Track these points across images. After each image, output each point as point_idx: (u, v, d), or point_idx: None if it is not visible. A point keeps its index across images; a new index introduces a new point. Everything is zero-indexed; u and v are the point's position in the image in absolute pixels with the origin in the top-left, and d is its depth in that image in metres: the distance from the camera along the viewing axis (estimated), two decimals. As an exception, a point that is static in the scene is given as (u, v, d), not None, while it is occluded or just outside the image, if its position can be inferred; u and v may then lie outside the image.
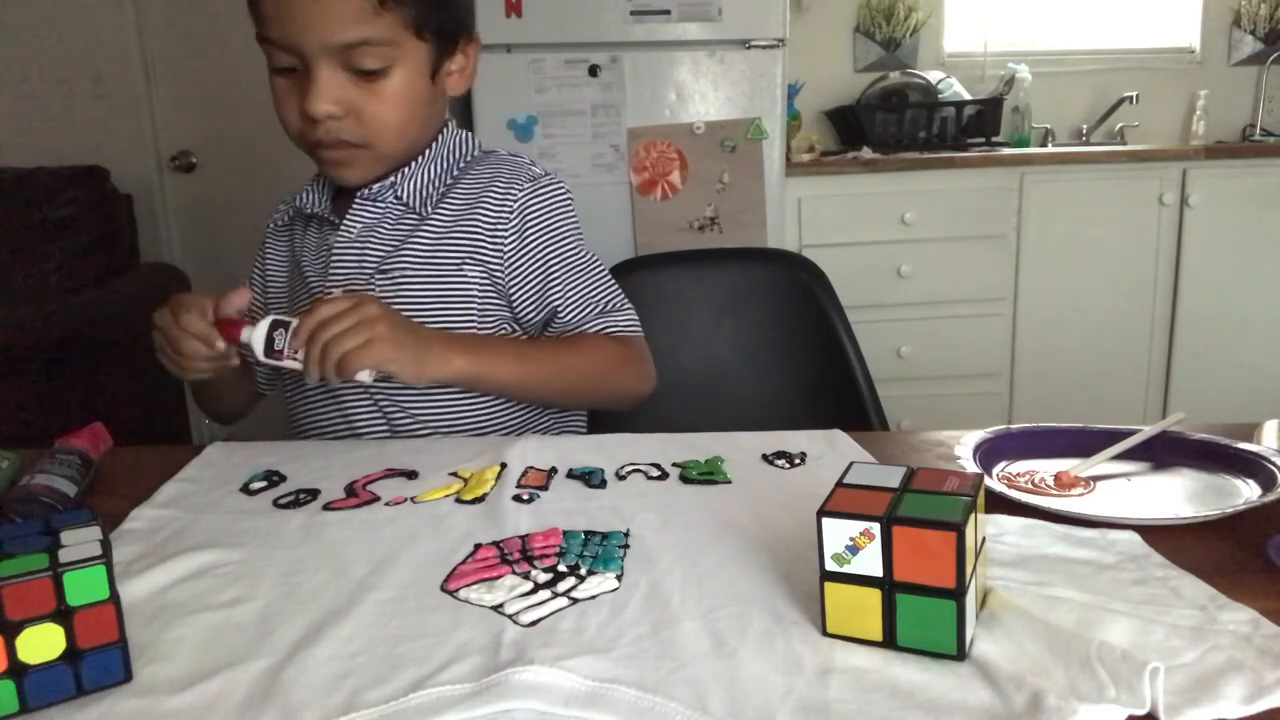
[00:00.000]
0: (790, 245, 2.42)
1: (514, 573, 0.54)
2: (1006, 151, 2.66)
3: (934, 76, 2.86)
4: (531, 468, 0.73)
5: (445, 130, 0.97)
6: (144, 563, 0.57)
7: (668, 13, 2.20)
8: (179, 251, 2.84)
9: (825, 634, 0.46)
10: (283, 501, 0.68)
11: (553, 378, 0.90)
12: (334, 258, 0.92)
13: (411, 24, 0.85)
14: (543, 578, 0.54)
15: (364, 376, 0.77)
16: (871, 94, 2.85)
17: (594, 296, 0.94)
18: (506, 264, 0.92)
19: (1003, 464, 0.72)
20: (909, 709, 0.40)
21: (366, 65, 0.83)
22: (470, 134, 0.99)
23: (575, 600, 0.51)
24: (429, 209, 0.92)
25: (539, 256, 0.93)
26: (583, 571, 0.54)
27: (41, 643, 0.42)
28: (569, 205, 0.97)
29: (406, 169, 0.92)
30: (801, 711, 0.40)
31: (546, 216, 0.94)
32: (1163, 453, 0.72)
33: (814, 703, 0.41)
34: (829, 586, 0.46)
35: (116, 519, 0.64)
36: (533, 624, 0.48)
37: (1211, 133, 2.99)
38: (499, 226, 0.92)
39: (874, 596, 0.44)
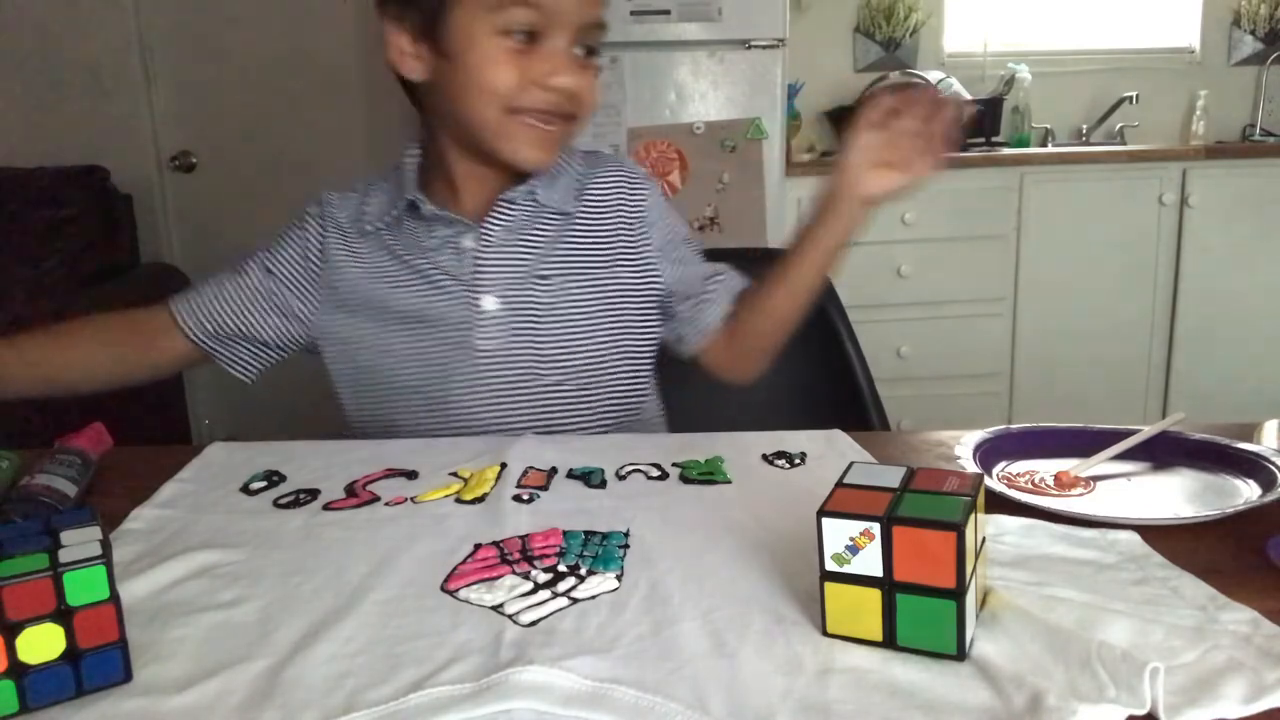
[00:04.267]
0: (790, 245, 2.42)
1: (514, 573, 0.54)
2: (1006, 151, 2.66)
3: (934, 76, 2.86)
4: (531, 468, 0.73)
5: None
6: (144, 563, 0.57)
7: (668, 13, 2.20)
8: (179, 251, 2.84)
9: (825, 634, 0.46)
10: (283, 501, 0.68)
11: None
12: (482, 261, 0.90)
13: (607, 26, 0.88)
14: (543, 578, 0.54)
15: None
16: (871, 94, 2.85)
17: (716, 269, 0.97)
18: (643, 263, 0.94)
19: (1003, 464, 0.72)
20: (909, 709, 0.40)
21: (596, 44, 0.87)
22: None
23: (575, 600, 0.51)
24: (570, 205, 0.92)
25: (669, 240, 0.96)
26: (583, 571, 0.54)
27: (41, 643, 0.42)
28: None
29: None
30: (801, 711, 0.40)
31: (663, 206, 0.97)
32: (1163, 453, 0.72)
33: (814, 703, 0.41)
34: (829, 586, 0.46)
35: (116, 519, 0.64)
36: (533, 624, 0.48)
37: (1211, 133, 2.99)
38: (638, 226, 0.94)
39: (874, 596, 0.44)
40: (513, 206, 0.91)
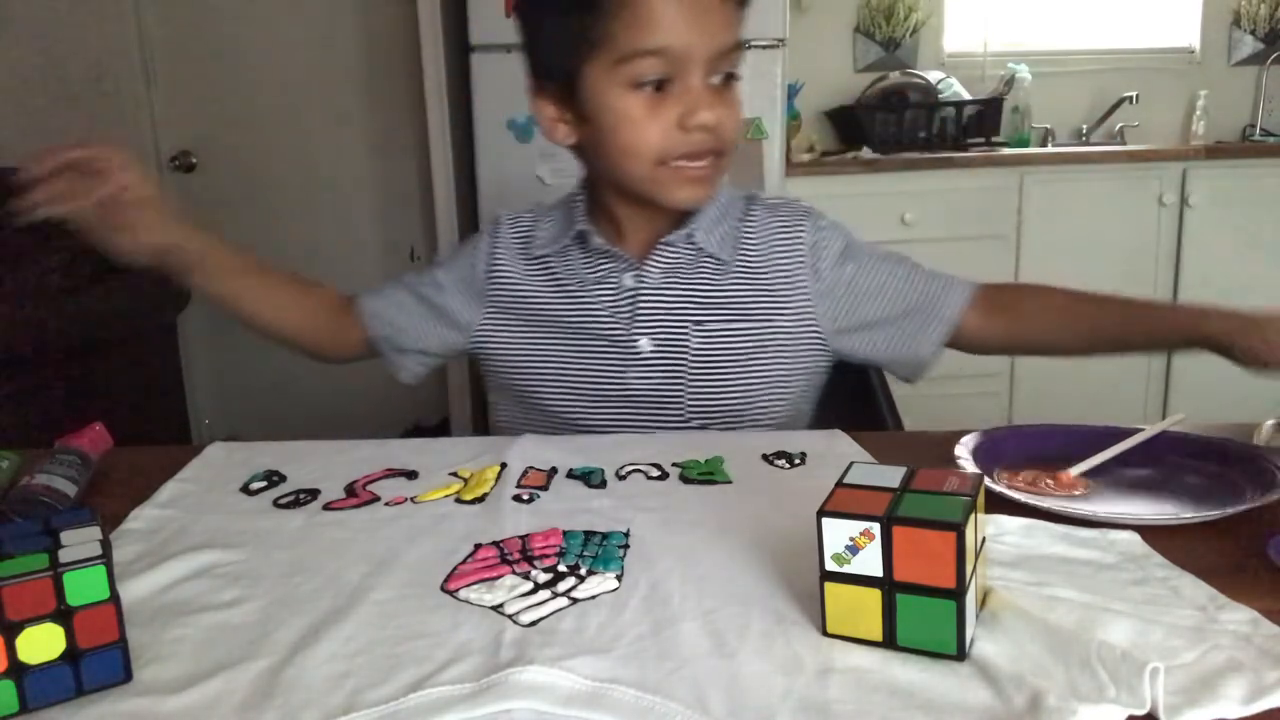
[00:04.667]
0: (790, 245, 2.42)
1: (514, 573, 0.54)
2: (1006, 151, 2.66)
3: (934, 76, 2.86)
4: (531, 468, 0.73)
5: None
6: (144, 563, 0.57)
7: (668, 13, 2.20)
8: (179, 251, 2.84)
9: (825, 634, 0.46)
10: (283, 501, 0.68)
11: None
12: (640, 301, 0.91)
13: (744, 42, 0.86)
14: (543, 578, 0.54)
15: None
16: (871, 94, 2.85)
17: (933, 276, 0.93)
18: (821, 303, 0.92)
19: (1003, 464, 0.72)
20: (909, 709, 0.40)
21: (734, 68, 0.84)
22: None
23: (575, 600, 0.51)
24: (729, 252, 0.92)
25: (850, 269, 0.93)
26: (583, 571, 0.54)
27: (41, 643, 0.42)
28: (841, 224, 0.97)
29: (697, 214, 0.91)
30: (801, 711, 0.40)
31: (835, 239, 0.94)
32: (1163, 453, 0.72)
33: (814, 703, 0.41)
34: (829, 586, 0.46)
35: (116, 519, 0.64)
36: (533, 624, 0.48)
37: (1211, 133, 2.99)
38: (798, 272, 0.92)
39: (874, 596, 0.44)
40: (672, 249, 0.91)
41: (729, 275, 0.92)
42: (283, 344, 0.99)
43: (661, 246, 0.91)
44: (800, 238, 0.93)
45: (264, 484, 0.72)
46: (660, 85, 0.82)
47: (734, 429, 0.91)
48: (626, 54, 0.80)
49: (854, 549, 0.44)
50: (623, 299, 0.91)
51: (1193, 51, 3.08)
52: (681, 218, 0.91)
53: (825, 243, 0.93)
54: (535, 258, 0.96)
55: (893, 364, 0.96)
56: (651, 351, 0.90)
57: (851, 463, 0.50)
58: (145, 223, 0.86)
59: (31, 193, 0.80)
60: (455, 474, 0.73)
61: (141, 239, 0.86)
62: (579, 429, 0.92)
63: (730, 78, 0.85)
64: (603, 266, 0.93)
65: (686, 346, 0.90)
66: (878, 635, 0.45)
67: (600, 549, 0.57)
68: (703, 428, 0.91)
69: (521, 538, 0.59)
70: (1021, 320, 0.93)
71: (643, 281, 0.91)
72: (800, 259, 0.92)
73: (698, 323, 0.90)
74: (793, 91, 2.77)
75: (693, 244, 0.91)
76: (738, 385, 0.91)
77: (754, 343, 0.91)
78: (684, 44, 0.80)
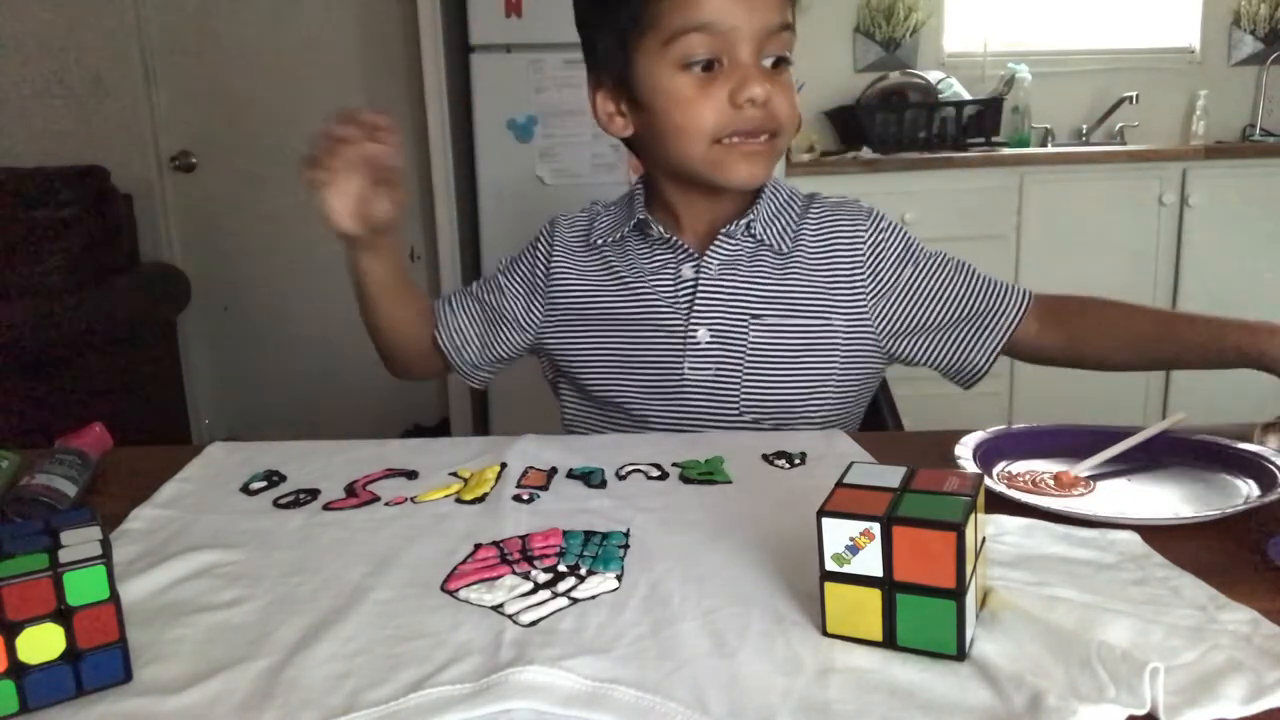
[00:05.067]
0: (790, 245, 2.42)
1: (514, 573, 0.54)
2: (1006, 151, 2.66)
3: (934, 76, 2.86)
4: (531, 468, 0.73)
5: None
6: (144, 563, 0.57)
7: (668, 13, 2.20)
8: (179, 251, 2.85)
9: (825, 634, 0.46)
10: (283, 501, 0.68)
11: None
12: (699, 292, 0.91)
13: (793, 25, 0.87)
14: (543, 578, 0.54)
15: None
16: (871, 94, 2.85)
17: (993, 283, 0.93)
18: (875, 304, 0.92)
19: (1003, 464, 0.72)
20: (909, 709, 0.40)
21: (785, 51, 0.85)
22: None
23: (575, 600, 0.51)
24: (787, 245, 0.92)
25: (910, 272, 0.93)
26: (583, 571, 0.54)
27: (41, 643, 0.42)
28: (901, 225, 0.97)
29: (756, 206, 0.92)
30: (801, 711, 0.40)
31: (894, 240, 0.94)
32: (1163, 453, 0.72)
33: (814, 703, 0.41)
34: (829, 586, 0.46)
35: (116, 519, 0.64)
36: (533, 624, 0.48)
37: (1211, 133, 2.99)
38: (855, 272, 0.92)
39: (874, 596, 0.44)
40: (731, 240, 0.92)
41: (788, 269, 0.92)
42: (388, 349, 1.00)
43: (721, 238, 0.91)
44: (860, 237, 0.93)
45: (264, 484, 0.72)
46: (710, 66, 0.83)
47: (785, 425, 0.91)
48: (673, 33, 0.82)
49: (854, 549, 0.44)
50: (682, 289, 0.92)
51: (1193, 51, 3.08)
52: (741, 209, 0.92)
53: (884, 244, 0.93)
54: (594, 250, 0.97)
55: (948, 369, 0.95)
56: (709, 342, 0.91)
57: (851, 463, 0.50)
58: (396, 189, 0.86)
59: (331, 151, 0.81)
60: (455, 474, 0.73)
61: (392, 203, 0.86)
62: (637, 419, 0.94)
63: (781, 61, 0.86)
64: (661, 256, 0.93)
65: (744, 339, 0.90)
66: (878, 635, 0.45)
67: (600, 549, 0.57)
68: (755, 423, 0.91)
69: (521, 538, 0.59)
70: (1082, 333, 0.92)
71: (701, 272, 0.91)
72: (859, 259, 0.92)
73: (756, 316, 0.91)
74: (793, 91, 2.77)
75: (751, 235, 0.91)
76: (793, 381, 0.91)
77: (810, 339, 0.91)
78: (729, 20, 0.81)
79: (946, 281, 0.93)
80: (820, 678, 0.43)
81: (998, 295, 0.92)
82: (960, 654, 0.43)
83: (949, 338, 0.93)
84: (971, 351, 0.92)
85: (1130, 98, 2.98)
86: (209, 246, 2.86)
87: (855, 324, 0.92)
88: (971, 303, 0.92)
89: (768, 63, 0.85)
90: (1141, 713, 0.39)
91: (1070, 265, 2.57)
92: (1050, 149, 2.93)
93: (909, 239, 0.95)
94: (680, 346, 0.91)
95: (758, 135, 0.85)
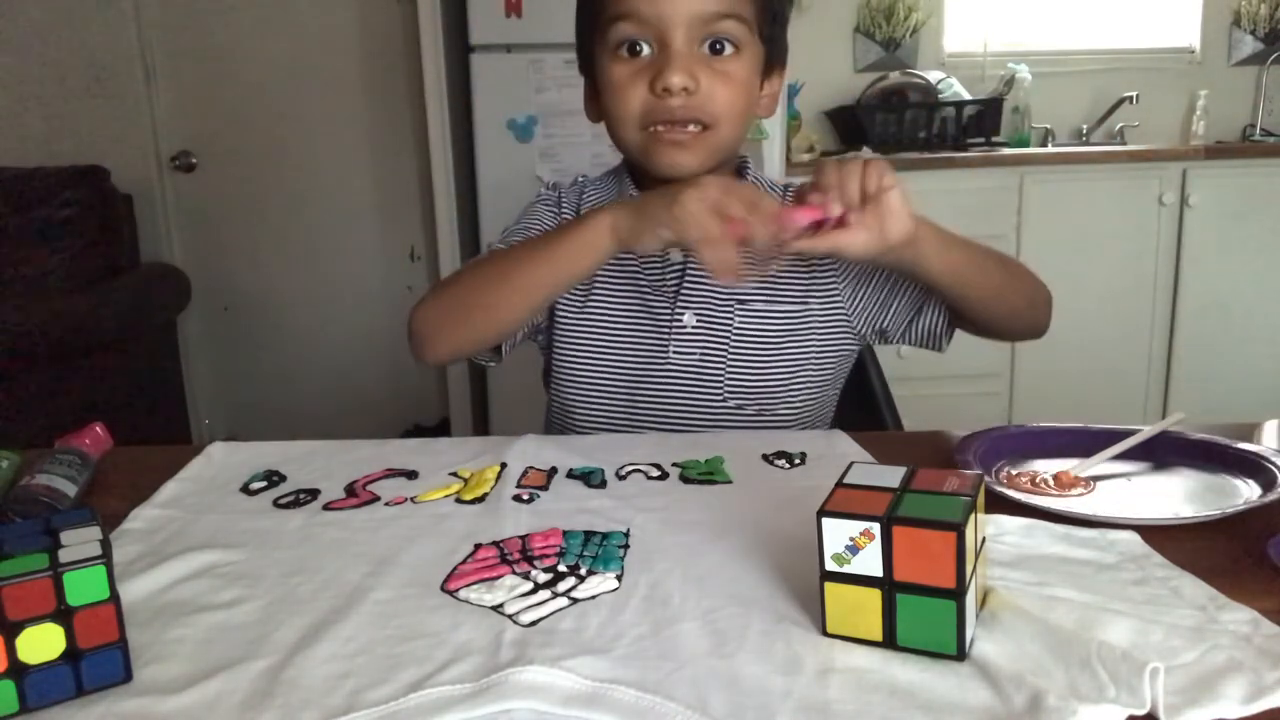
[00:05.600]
0: (790, 245, 2.42)
1: (514, 573, 0.54)
2: (1006, 151, 2.66)
3: (934, 76, 2.86)
4: (531, 468, 0.73)
5: (749, 165, 0.97)
6: (144, 563, 0.57)
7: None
8: (179, 251, 2.85)
9: (825, 634, 0.46)
10: (283, 501, 0.68)
11: (994, 269, 0.86)
12: (688, 277, 0.91)
13: (757, 19, 0.85)
14: (543, 578, 0.54)
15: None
16: (871, 94, 2.85)
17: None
18: (844, 288, 0.93)
19: (1003, 464, 0.72)
20: (909, 709, 0.40)
21: (726, 36, 0.83)
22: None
23: (575, 600, 0.51)
24: None
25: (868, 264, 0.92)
26: (583, 571, 0.54)
27: (41, 643, 0.42)
28: None
29: None
30: (801, 711, 0.40)
31: None
32: (1163, 453, 0.72)
33: (814, 703, 0.41)
34: (829, 586, 0.46)
35: (116, 519, 0.64)
36: (533, 624, 0.48)
37: (1211, 133, 2.99)
38: (825, 259, 0.92)
39: (874, 596, 0.44)
40: None
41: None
42: (501, 330, 0.92)
43: None
44: None
45: (264, 484, 0.72)
46: (637, 52, 0.83)
47: (767, 410, 0.92)
48: (607, 19, 0.83)
49: (854, 549, 0.44)
50: (670, 273, 0.92)
51: (1193, 51, 3.07)
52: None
53: None
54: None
55: (916, 338, 0.95)
56: (695, 327, 0.91)
57: (851, 463, 0.50)
58: None
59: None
60: (455, 474, 0.73)
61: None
62: (624, 401, 0.93)
63: (723, 47, 0.83)
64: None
65: (730, 324, 0.91)
66: (878, 635, 0.45)
67: (600, 549, 0.57)
68: (738, 407, 0.92)
69: (521, 538, 0.59)
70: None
71: (688, 257, 0.91)
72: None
73: (742, 301, 0.92)
74: (793, 91, 2.78)
75: None
76: (775, 365, 0.92)
77: (791, 323, 0.92)
78: (653, 8, 0.81)
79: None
80: (820, 678, 0.43)
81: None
82: (960, 654, 0.43)
83: (905, 303, 0.92)
84: (928, 314, 0.92)
85: (1130, 98, 2.97)
86: (209, 246, 2.86)
87: (831, 307, 0.94)
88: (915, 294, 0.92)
89: (705, 49, 0.83)
90: (1141, 713, 0.39)
91: (1070, 265, 2.57)
92: (1050, 149, 2.93)
93: None
94: (667, 330, 0.92)
95: (683, 125, 0.84)
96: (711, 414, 0.92)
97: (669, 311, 0.92)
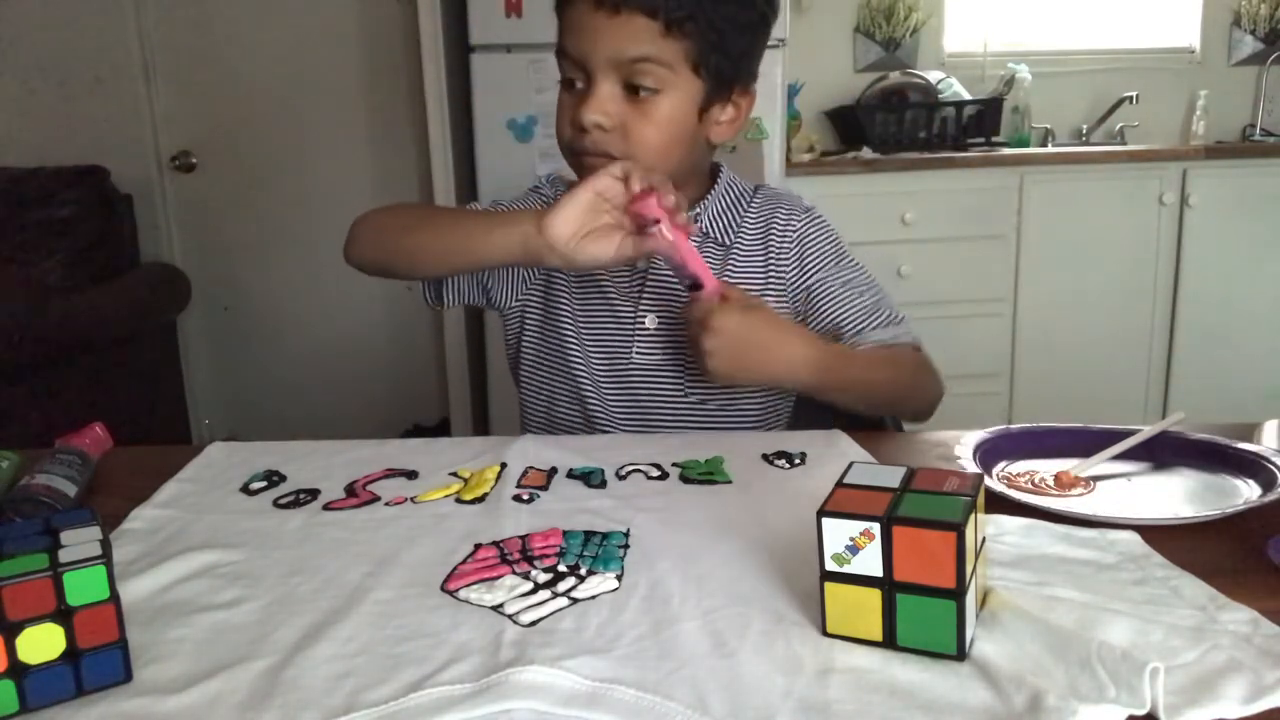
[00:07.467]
0: (790, 245, 2.42)
1: (514, 573, 0.55)
2: (1006, 151, 2.66)
3: (934, 76, 2.86)
4: (531, 468, 0.73)
5: (723, 172, 1.00)
6: (144, 563, 0.57)
7: (668, 13, 2.20)
8: (179, 251, 2.84)
9: (825, 634, 0.46)
10: (283, 501, 0.68)
11: (883, 385, 0.89)
12: (648, 280, 0.94)
13: (691, 58, 0.86)
14: (543, 578, 0.54)
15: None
16: (871, 94, 2.85)
17: (875, 311, 0.95)
18: (791, 292, 0.96)
19: (1003, 464, 0.72)
20: (909, 709, 0.40)
21: (643, 82, 0.86)
22: (737, 175, 1.02)
23: (575, 600, 0.51)
24: (730, 238, 0.96)
25: (818, 279, 0.95)
26: (583, 571, 0.54)
27: (41, 643, 0.42)
28: (835, 231, 1.00)
29: (704, 202, 0.96)
30: (801, 711, 0.40)
31: (821, 242, 0.97)
32: (1163, 453, 0.72)
33: (814, 703, 0.41)
34: (829, 586, 0.46)
35: (116, 519, 0.64)
36: (533, 624, 0.48)
37: (1211, 133, 2.99)
38: (784, 257, 0.96)
39: (874, 596, 0.44)
40: None
41: (729, 259, 0.96)
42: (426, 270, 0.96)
43: None
44: (793, 225, 0.97)
45: (264, 484, 0.72)
46: (571, 85, 0.88)
47: (728, 405, 0.95)
48: (556, 50, 0.89)
49: (854, 549, 0.44)
50: (634, 279, 0.96)
51: (1193, 51, 3.07)
52: (691, 202, 0.94)
53: (813, 238, 0.97)
54: None
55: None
56: (656, 329, 0.95)
57: (851, 463, 0.50)
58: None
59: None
60: (455, 474, 0.73)
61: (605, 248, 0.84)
62: (588, 396, 0.96)
63: (643, 90, 0.86)
64: None
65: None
66: (878, 635, 0.45)
67: (600, 549, 0.57)
68: (701, 402, 0.94)
69: (521, 538, 0.59)
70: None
71: (651, 262, 0.94)
72: (788, 245, 0.96)
73: None
74: (793, 91, 2.77)
75: (700, 229, 0.95)
76: None
77: None
78: (579, 49, 0.85)
79: (844, 308, 0.94)
80: (820, 678, 0.43)
81: (881, 323, 0.93)
82: (960, 654, 0.43)
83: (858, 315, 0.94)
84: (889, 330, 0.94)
85: (1130, 98, 2.97)
86: (209, 246, 2.86)
87: (781, 307, 0.96)
88: (848, 320, 0.93)
89: (625, 90, 0.86)
90: (1141, 713, 0.39)
91: (1070, 265, 2.57)
92: (1050, 149, 2.93)
93: (838, 243, 0.98)
94: (630, 332, 0.95)
95: (599, 158, 0.87)
96: (674, 411, 0.95)
97: (632, 314, 0.95)
